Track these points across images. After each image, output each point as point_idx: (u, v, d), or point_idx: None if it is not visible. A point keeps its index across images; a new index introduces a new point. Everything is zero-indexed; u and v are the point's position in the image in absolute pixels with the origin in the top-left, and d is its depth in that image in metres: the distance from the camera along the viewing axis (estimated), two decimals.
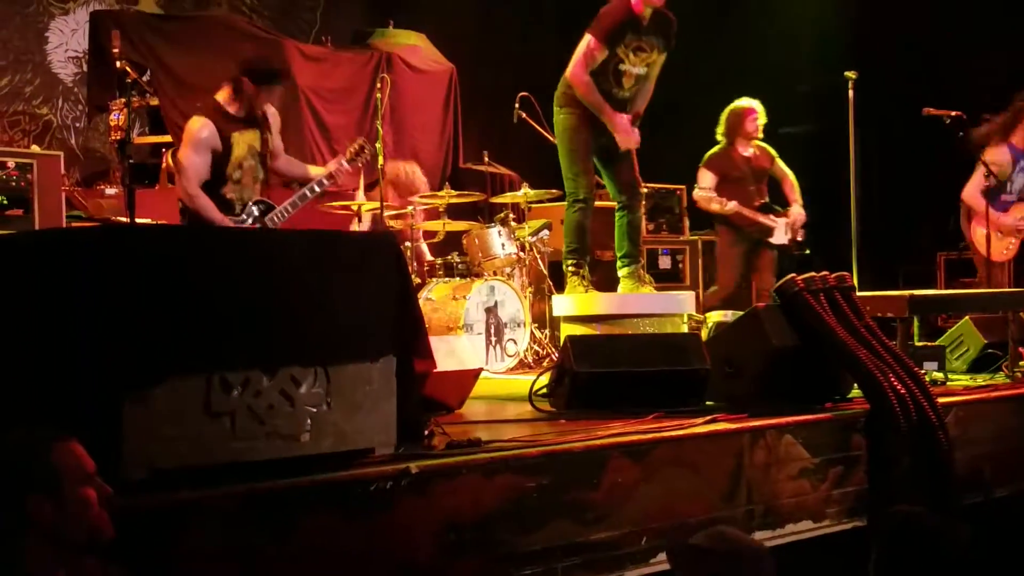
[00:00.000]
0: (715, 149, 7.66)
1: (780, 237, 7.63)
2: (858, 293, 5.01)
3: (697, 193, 7.57)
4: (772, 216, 7.61)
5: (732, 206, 7.42)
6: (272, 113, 5.94)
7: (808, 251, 7.72)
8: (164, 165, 7.72)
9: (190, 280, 3.03)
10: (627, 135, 6.01)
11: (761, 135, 7.69)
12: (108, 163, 8.54)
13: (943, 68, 9.48)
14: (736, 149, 7.63)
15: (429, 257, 7.65)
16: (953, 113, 7.15)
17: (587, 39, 5.94)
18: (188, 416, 2.98)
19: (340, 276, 3.36)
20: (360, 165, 6.24)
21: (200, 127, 5.54)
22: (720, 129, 7.65)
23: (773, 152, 7.79)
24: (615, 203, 6.31)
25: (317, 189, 5.86)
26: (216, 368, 3.03)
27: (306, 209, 7.69)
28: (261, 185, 5.85)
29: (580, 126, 6.04)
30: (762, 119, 7.63)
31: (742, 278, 7.75)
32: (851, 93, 6.61)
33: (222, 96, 5.71)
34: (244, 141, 5.67)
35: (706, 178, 7.59)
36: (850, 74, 6.65)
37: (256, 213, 5.71)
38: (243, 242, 3.45)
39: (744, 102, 7.63)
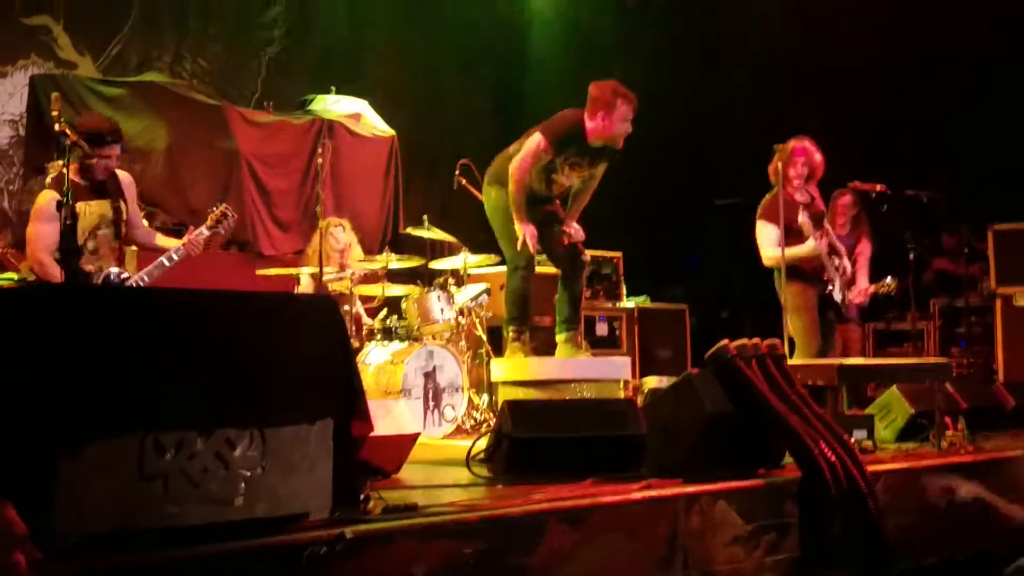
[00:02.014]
0: (768, 196, 6.82)
1: (837, 293, 6.82)
2: (789, 361, 5.10)
3: (770, 254, 6.71)
4: (834, 265, 6.80)
5: (823, 244, 6.57)
6: (128, 182, 5.93)
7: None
8: None
9: (124, 339, 3.01)
10: (525, 246, 5.95)
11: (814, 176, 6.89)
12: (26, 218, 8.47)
13: (869, 143, 9.73)
14: (789, 194, 6.69)
15: (368, 321, 7.66)
16: (878, 187, 7.34)
17: (537, 138, 5.91)
18: (121, 479, 2.94)
19: (278, 337, 3.36)
20: (222, 232, 6.04)
21: (48, 200, 5.53)
22: (770, 169, 6.77)
23: (852, 210, 7.26)
24: (558, 270, 6.33)
25: (175, 257, 5.77)
26: (150, 429, 3.00)
27: (244, 273, 7.71)
28: (118, 254, 5.81)
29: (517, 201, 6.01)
30: (814, 162, 6.81)
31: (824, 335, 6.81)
32: (779, 158, 6.69)
33: (70, 168, 5.73)
34: (93, 211, 5.67)
35: (767, 232, 6.74)
36: (779, 146, 6.68)
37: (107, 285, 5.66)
38: (179, 302, 3.44)
39: (792, 141, 6.78)
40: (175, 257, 5.73)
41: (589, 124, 5.91)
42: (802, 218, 6.53)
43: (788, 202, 6.57)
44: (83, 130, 5.70)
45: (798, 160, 6.73)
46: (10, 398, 2.93)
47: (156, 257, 5.83)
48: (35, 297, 3.19)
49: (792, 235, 6.56)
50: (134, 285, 5.63)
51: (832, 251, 6.88)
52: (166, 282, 5.80)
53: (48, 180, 5.77)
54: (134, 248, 6.20)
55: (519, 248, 5.97)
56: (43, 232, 5.51)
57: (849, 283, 6.92)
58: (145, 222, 6.25)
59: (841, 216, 7.59)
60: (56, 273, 5.46)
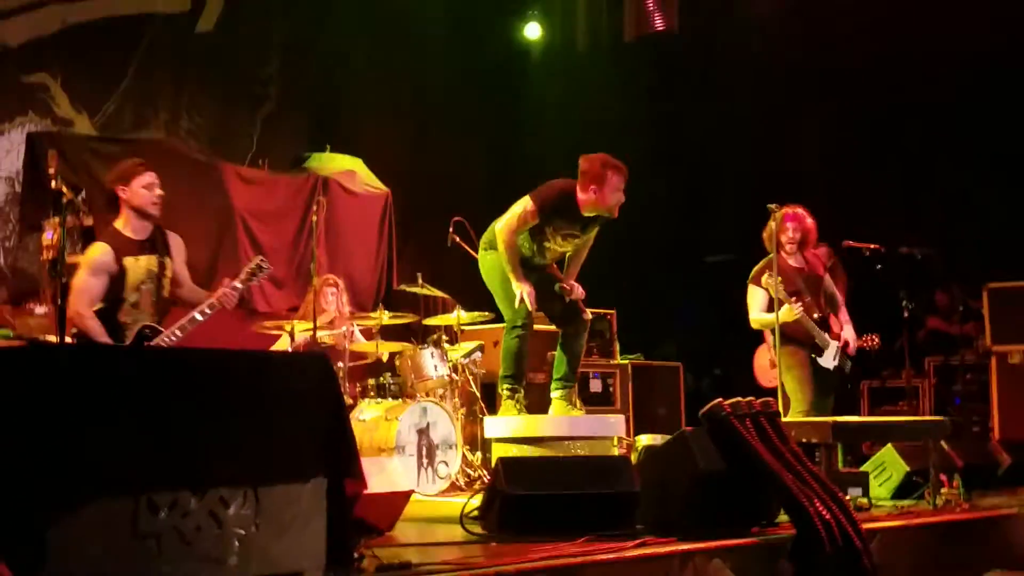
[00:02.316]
0: (763, 261, 6.88)
1: (828, 360, 6.86)
2: (783, 419, 5.10)
3: (755, 316, 6.86)
4: (826, 335, 6.85)
5: (799, 310, 6.64)
6: (177, 242, 5.98)
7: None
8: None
9: (119, 399, 3.02)
10: (523, 304, 5.99)
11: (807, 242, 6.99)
12: (37, 282, 8.47)
13: (861, 202, 9.79)
14: (783, 259, 6.81)
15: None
16: (872, 246, 7.39)
17: (525, 203, 5.98)
18: (114, 537, 2.94)
19: (272, 396, 3.37)
20: (258, 283, 6.10)
21: (100, 252, 5.59)
22: (764, 235, 6.86)
23: (826, 260, 7.24)
24: (557, 329, 6.33)
25: (208, 311, 5.77)
26: (144, 488, 3.00)
27: (238, 329, 7.69)
28: (159, 310, 5.83)
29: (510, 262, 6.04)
30: (805, 227, 6.90)
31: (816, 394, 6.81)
32: (772, 224, 6.75)
33: (120, 222, 5.77)
34: (141, 266, 5.71)
35: (757, 296, 6.84)
36: (773, 207, 6.69)
37: (140, 339, 5.67)
38: (174, 362, 3.45)
39: (784, 208, 6.85)
40: (208, 311, 5.74)
41: (581, 196, 5.97)
42: (766, 279, 6.58)
43: (782, 268, 6.67)
44: (113, 176, 5.78)
45: (789, 225, 6.82)
46: (3, 455, 2.93)
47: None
48: (26, 357, 3.19)
49: (781, 302, 6.61)
50: (166, 339, 5.64)
51: (823, 319, 6.91)
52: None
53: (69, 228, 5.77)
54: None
55: (517, 306, 6.00)
56: (88, 284, 5.53)
57: (843, 349, 6.92)
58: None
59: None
60: (93, 326, 5.49)
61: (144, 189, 5.76)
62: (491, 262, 6.16)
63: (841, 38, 10.08)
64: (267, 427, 3.32)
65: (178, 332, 5.70)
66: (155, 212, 5.82)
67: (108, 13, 9.44)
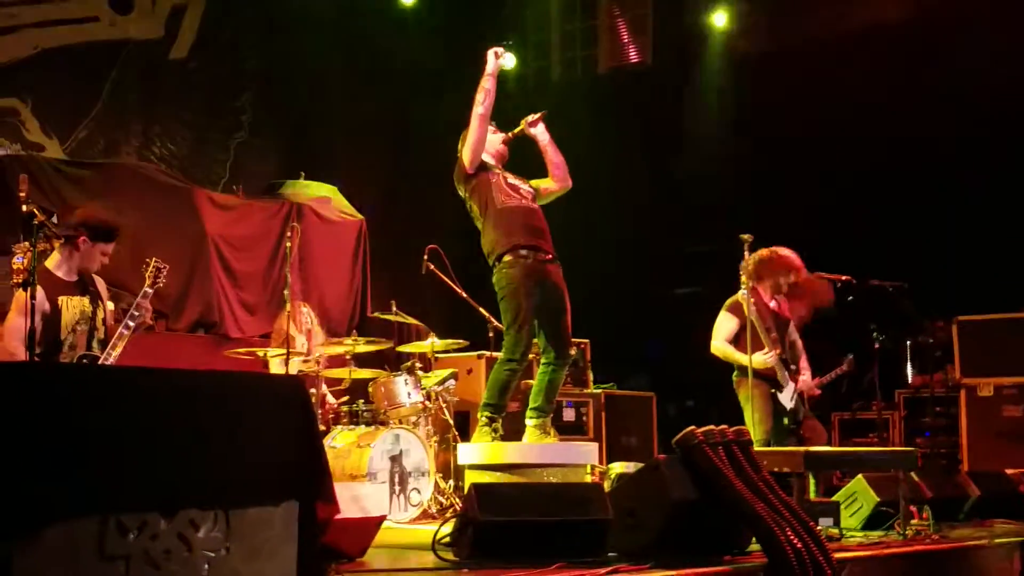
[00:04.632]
0: (737, 295, 6.88)
1: (786, 400, 6.93)
2: (755, 448, 5.11)
3: (720, 345, 6.95)
4: (787, 374, 6.94)
5: (772, 357, 6.73)
6: (103, 285, 5.97)
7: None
8: None
9: (86, 418, 2.97)
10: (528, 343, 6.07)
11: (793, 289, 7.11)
12: (4, 307, 8.40)
13: (835, 234, 9.86)
14: (760, 295, 6.94)
15: (332, 401, 7.62)
16: (843, 277, 7.44)
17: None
18: (81, 560, 2.89)
19: (245, 417, 3.34)
20: (161, 284, 6.03)
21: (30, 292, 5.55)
22: (748, 267, 6.76)
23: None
24: (542, 357, 6.28)
25: (131, 324, 5.76)
26: (112, 509, 2.96)
27: (210, 355, 7.64)
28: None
29: (522, 280, 6.05)
30: (800, 277, 7.06)
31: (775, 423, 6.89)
32: (746, 254, 6.79)
33: (51, 262, 5.75)
34: (74, 306, 5.68)
35: (727, 324, 6.95)
36: (745, 236, 6.72)
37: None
38: (143, 380, 3.40)
39: (786, 250, 7.01)
40: (131, 324, 5.72)
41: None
42: (748, 312, 6.61)
43: (758, 304, 6.78)
44: (88, 223, 5.74)
45: (792, 273, 7.00)
46: None
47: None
48: None
49: (755, 335, 6.65)
50: (106, 362, 5.59)
51: (788, 359, 6.99)
52: (132, 364, 5.75)
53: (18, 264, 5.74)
54: None
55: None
56: (21, 324, 5.47)
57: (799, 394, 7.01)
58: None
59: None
60: None
61: (103, 255, 5.77)
62: (504, 276, 6.11)
63: (815, 78, 10.19)
64: (239, 449, 3.29)
65: (111, 352, 5.67)
66: (92, 271, 5.81)
67: (81, 39, 9.44)
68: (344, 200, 9.98)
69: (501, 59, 6.21)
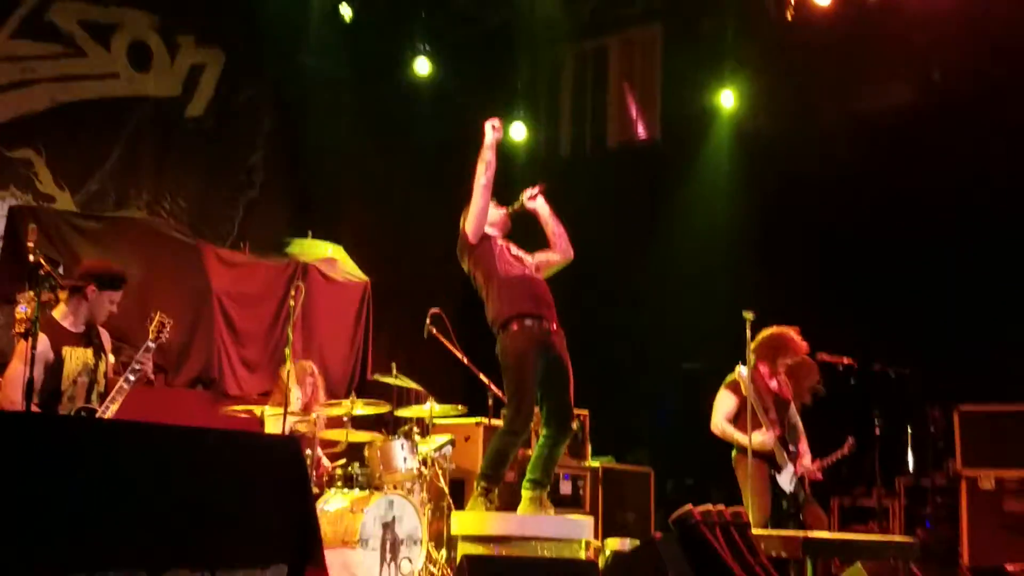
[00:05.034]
0: (735, 373, 6.89)
1: (785, 483, 6.88)
2: (753, 531, 5.06)
3: (720, 424, 6.92)
4: (786, 455, 6.91)
5: (771, 438, 6.75)
6: (107, 337, 5.97)
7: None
8: None
9: (74, 473, 2.95)
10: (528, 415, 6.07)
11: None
12: (4, 356, 8.39)
13: (839, 316, 9.85)
14: (760, 374, 6.97)
15: (327, 464, 7.58)
16: (845, 360, 7.42)
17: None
18: None
19: (238, 477, 3.32)
20: (164, 339, 6.02)
21: (37, 340, 5.54)
22: (752, 347, 6.78)
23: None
24: (542, 429, 6.25)
25: (132, 378, 5.75)
26: (99, 568, 2.93)
27: (208, 411, 7.61)
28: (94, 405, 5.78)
29: (526, 349, 6.04)
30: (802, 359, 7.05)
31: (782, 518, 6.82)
32: (748, 332, 6.79)
33: (58, 312, 5.75)
34: (77, 357, 5.68)
35: (727, 403, 6.95)
36: (748, 314, 6.73)
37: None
38: (132, 435, 3.38)
39: (790, 331, 7.02)
40: (131, 378, 5.71)
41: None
42: (747, 392, 6.63)
43: (758, 384, 6.81)
44: (94, 272, 5.76)
45: (793, 352, 6.98)
46: None
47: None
48: None
49: (754, 414, 6.67)
50: (103, 416, 5.57)
51: (788, 440, 6.96)
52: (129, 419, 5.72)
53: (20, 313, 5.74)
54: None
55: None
56: (21, 373, 5.44)
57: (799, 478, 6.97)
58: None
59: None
60: None
61: (110, 303, 5.79)
62: (508, 346, 6.10)
63: (821, 156, 10.26)
64: (230, 509, 3.27)
65: (110, 405, 5.65)
66: (101, 322, 5.83)
67: (98, 94, 9.55)
68: (350, 261, 10.01)
69: (499, 132, 6.28)
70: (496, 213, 6.38)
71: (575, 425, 6.37)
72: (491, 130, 6.26)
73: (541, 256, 6.48)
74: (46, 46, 9.20)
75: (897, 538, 7.47)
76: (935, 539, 9.02)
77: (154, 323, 5.90)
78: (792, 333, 7.06)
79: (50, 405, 5.54)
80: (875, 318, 9.82)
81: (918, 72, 10.04)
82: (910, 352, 8.50)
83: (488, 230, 6.31)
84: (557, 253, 6.51)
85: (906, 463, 9.73)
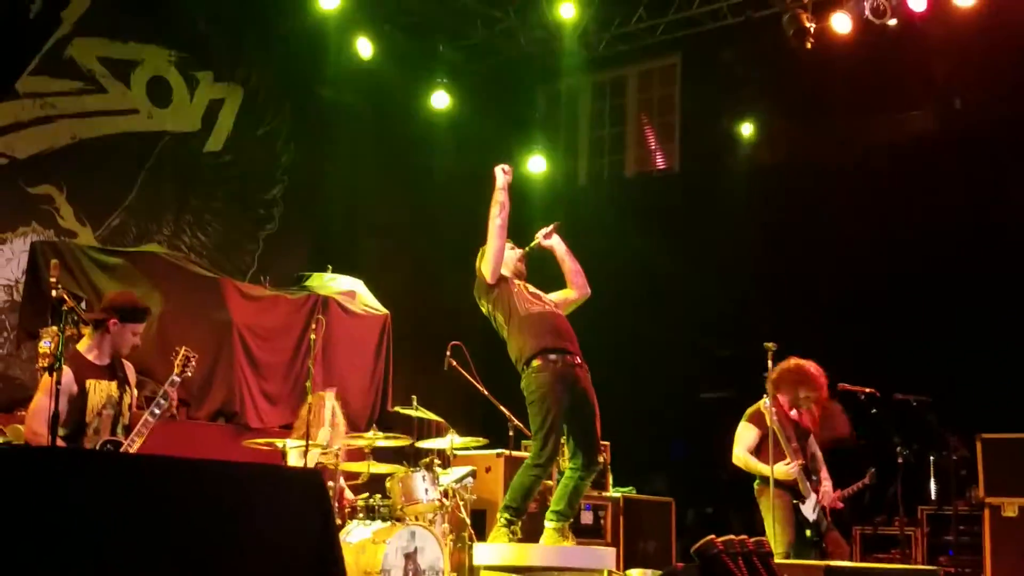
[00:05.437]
0: (759, 405, 6.98)
1: (808, 512, 6.86)
2: (776, 560, 5.04)
3: (742, 456, 6.96)
4: (809, 485, 6.90)
5: (794, 467, 6.77)
6: (131, 370, 6.00)
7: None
8: None
9: (99, 507, 2.95)
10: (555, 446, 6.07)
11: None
12: (28, 391, 8.44)
13: (857, 345, 9.82)
14: (780, 404, 6.98)
15: (350, 497, 7.58)
16: (867, 389, 7.40)
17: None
18: None
19: (262, 510, 3.33)
20: (190, 374, 6.04)
21: (62, 373, 5.57)
22: (772, 377, 6.89)
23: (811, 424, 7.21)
24: (568, 462, 6.25)
25: (157, 412, 5.76)
26: None
27: (230, 445, 7.63)
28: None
29: (552, 384, 6.05)
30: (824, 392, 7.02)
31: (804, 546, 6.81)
32: (769, 363, 6.80)
33: (83, 345, 5.79)
34: (102, 390, 5.70)
35: (749, 434, 6.99)
36: (769, 345, 6.79)
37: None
38: (161, 470, 3.40)
39: (810, 365, 7.00)
40: (157, 411, 5.73)
41: None
42: (770, 421, 6.65)
43: (779, 414, 6.84)
44: (117, 305, 5.80)
45: (814, 386, 6.94)
46: None
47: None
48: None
49: (776, 445, 6.75)
50: (128, 449, 5.59)
51: (811, 470, 6.97)
52: (152, 452, 5.75)
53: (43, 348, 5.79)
54: None
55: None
56: (46, 405, 5.48)
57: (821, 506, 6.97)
58: None
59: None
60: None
61: (132, 335, 5.82)
62: (534, 381, 6.10)
63: (840, 185, 10.27)
64: (254, 541, 3.28)
65: (136, 439, 5.67)
66: (125, 354, 5.86)
67: (118, 130, 9.64)
68: (369, 294, 10.05)
69: (509, 175, 6.36)
70: (512, 257, 6.41)
71: (602, 460, 6.37)
72: (502, 174, 6.35)
73: (558, 295, 6.50)
74: (66, 83, 9.30)
75: (920, 567, 7.43)
76: (958, 568, 8.95)
77: (179, 357, 5.93)
78: (811, 366, 7.04)
79: (75, 437, 5.57)
80: (895, 347, 9.80)
81: (939, 100, 10.05)
82: (931, 380, 8.46)
83: (504, 272, 6.34)
84: (575, 291, 6.53)
85: (928, 491, 9.67)
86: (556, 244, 6.55)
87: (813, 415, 7.17)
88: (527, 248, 6.49)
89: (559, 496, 6.19)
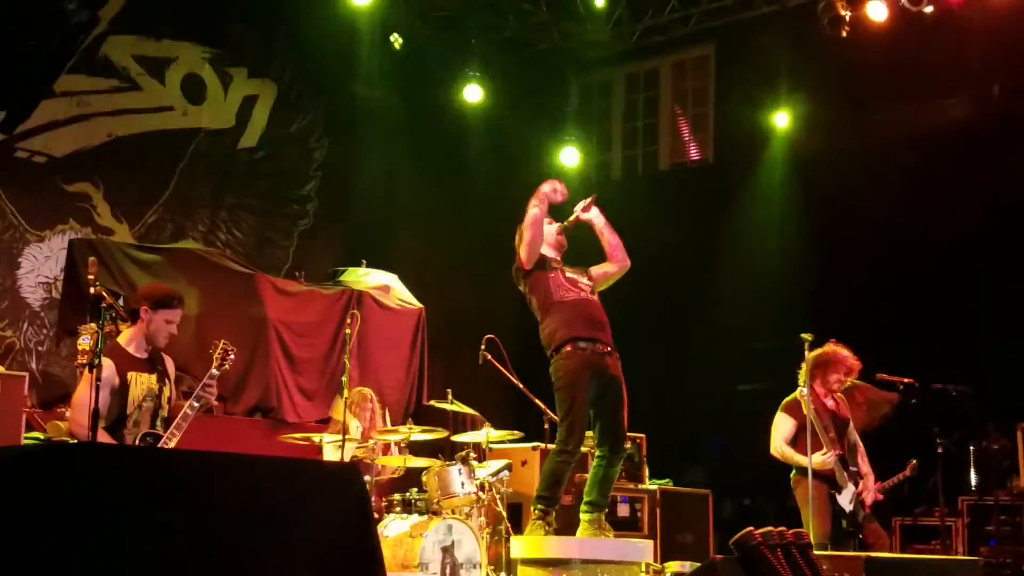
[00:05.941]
0: (796, 393, 6.96)
1: (845, 503, 6.83)
2: (814, 551, 5.01)
3: (779, 447, 6.93)
4: (847, 475, 6.86)
5: (831, 457, 6.73)
6: (171, 364, 6.02)
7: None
8: None
9: (139, 503, 2.95)
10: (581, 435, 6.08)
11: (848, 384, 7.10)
12: (67, 388, 8.52)
13: (895, 335, 9.74)
14: (817, 394, 6.94)
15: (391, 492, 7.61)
16: (906, 380, 7.34)
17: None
18: None
19: (300, 504, 3.34)
20: (228, 367, 6.00)
21: (103, 366, 5.60)
22: (806, 366, 6.85)
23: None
24: (596, 450, 6.25)
25: (196, 404, 5.76)
26: None
27: (267, 439, 7.66)
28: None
29: (579, 371, 6.06)
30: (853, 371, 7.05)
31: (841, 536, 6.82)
32: (806, 353, 6.76)
33: (123, 338, 5.83)
34: (142, 382, 5.74)
35: (785, 425, 6.97)
36: (806, 336, 6.74)
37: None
38: (199, 465, 3.38)
39: (843, 349, 7.01)
40: (196, 404, 5.75)
41: None
42: (807, 411, 6.64)
43: (816, 405, 6.79)
44: (146, 294, 5.85)
45: (842, 372, 6.96)
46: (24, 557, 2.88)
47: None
48: (51, 458, 3.10)
49: (814, 435, 6.68)
50: (167, 442, 5.63)
51: (848, 459, 6.93)
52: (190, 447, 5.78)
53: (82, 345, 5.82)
54: None
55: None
56: (88, 398, 5.53)
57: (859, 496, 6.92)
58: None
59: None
60: (93, 439, 5.48)
61: (165, 322, 5.84)
62: (561, 367, 6.11)
63: (877, 178, 10.18)
64: (293, 535, 3.28)
65: (175, 431, 5.70)
66: (162, 344, 5.89)
67: (154, 128, 9.71)
68: (404, 288, 10.07)
69: (555, 196, 6.32)
70: (551, 232, 6.39)
71: (628, 447, 6.34)
72: (547, 186, 6.32)
73: (597, 269, 6.48)
74: (101, 80, 9.38)
75: (961, 558, 7.37)
76: (999, 558, 8.87)
77: (218, 350, 5.95)
78: (842, 350, 7.02)
79: (115, 429, 5.61)
80: (934, 337, 9.71)
81: (977, 87, 9.93)
82: (970, 370, 8.38)
83: (545, 251, 6.33)
84: (614, 264, 6.51)
85: (968, 481, 9.58)
86: (595, 217, 6.52)
87: (854, 401, 7.15)
88: (566, 223, 6.46)
89: (590, 486, 6.19)
